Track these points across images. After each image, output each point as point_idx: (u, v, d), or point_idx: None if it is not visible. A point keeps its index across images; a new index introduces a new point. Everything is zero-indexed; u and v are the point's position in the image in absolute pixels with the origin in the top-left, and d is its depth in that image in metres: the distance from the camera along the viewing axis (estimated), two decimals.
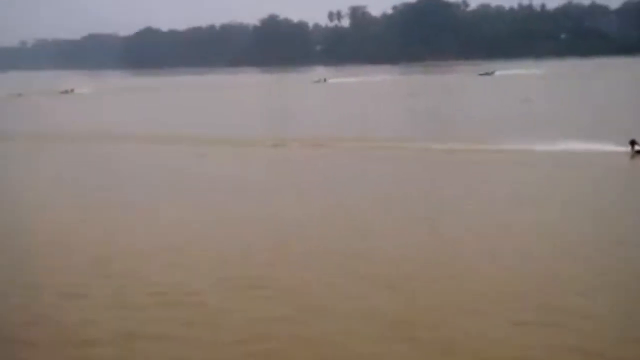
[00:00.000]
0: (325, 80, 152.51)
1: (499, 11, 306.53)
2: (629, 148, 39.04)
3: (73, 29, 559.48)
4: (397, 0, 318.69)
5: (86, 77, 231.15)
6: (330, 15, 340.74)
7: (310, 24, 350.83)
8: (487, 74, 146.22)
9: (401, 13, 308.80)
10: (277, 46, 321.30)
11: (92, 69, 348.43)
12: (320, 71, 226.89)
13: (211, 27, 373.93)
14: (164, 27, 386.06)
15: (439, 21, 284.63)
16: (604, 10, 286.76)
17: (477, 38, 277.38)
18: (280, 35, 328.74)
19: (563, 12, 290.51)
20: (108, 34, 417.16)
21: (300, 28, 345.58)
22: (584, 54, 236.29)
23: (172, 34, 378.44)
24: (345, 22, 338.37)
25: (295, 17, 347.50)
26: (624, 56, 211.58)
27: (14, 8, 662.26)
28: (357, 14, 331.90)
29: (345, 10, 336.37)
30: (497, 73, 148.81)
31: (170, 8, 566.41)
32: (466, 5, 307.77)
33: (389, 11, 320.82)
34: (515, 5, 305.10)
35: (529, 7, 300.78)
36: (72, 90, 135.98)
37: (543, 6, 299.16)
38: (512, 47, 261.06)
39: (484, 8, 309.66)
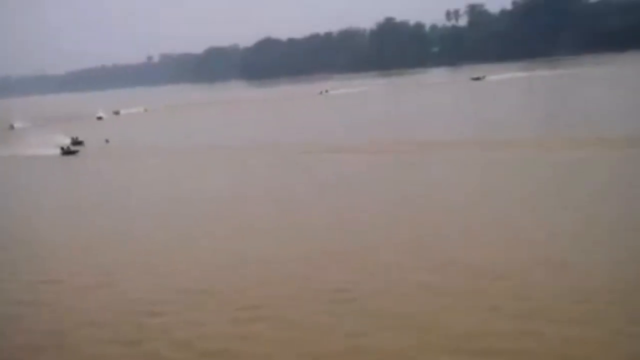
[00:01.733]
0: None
1: (625, 2, 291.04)
2: None
3: (195, 43, 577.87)
4: None
5: (206, 89, 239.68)
6: (448, 15, 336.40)
7: (427, 25, 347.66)
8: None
9: (521, 8, 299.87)
10: (394, 49, 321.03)
11: (213, 82, 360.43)
12: (436, 72, 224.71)
13: (329, 34, 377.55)
14: (283, 37, 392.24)
15: (560, 15, 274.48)
16: None
17: (601, 31, 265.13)
18: (397, 37, 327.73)
19: None
20: (229, 46, 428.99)
21: (417, 30, 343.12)
22: None
23: (291, 42, 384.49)
24: (463, 21, 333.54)
25: (412, 19, 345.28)
26: None
27: (140, 25, 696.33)
28: (475, 11, 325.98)
29: (463, 9, 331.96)
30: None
31: (289, 17, 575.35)
32: None
33: (508, 7, 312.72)
34: None
35: None
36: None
37: None
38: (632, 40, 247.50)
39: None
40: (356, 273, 21.40)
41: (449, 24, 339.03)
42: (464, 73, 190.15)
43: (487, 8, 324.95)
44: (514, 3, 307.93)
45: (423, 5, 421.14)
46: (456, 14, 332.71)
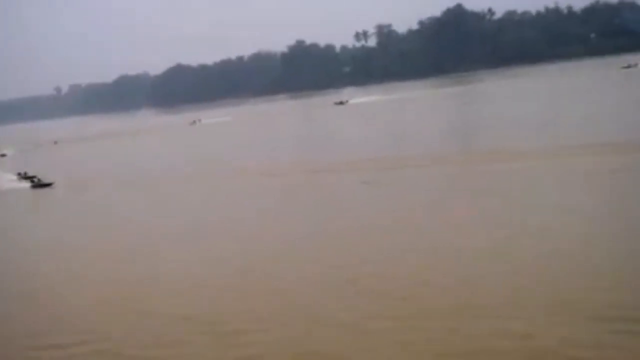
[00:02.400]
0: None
1: (526, 17, 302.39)
2: None
3: (104, 72, 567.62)
4: (422, 14, 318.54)
5: (113, 119, 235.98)
6: (357, 36, 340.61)
7: (338, 46, 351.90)
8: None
9: (427, 27, 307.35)
10: (306, 71, 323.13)
11: (125, 110, 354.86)
12: (348, 92, 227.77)
13: (240, 58, 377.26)
14: (194, 63, 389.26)
15: (465, 32, 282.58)
16: (632, 5, 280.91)
17: (505, 45, 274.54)
18: (308, 59, 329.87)
19: (591, 12, 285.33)
20: (139, 74, 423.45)
21: (327, 51, 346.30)
22: (615, 52, 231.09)
23: (203, 68, 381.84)
24: (372, 42, 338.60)
25: (322, 41, 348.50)
26: None
27: (47, 56, 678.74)
28: (383, 32, 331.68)
29: (371, 30, 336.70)
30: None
31: (199, 44, 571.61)
32: (492, 13, 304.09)
33: (415, 26, 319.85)
34: (542, 9, 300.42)
35: (556, 10, 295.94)
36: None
37: (570, 8, 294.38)
38: (541, 52, 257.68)
39: (510, 15, 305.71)
40: None
41: (358, 44, 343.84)
42: (372, 91, 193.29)
43: (395, 28, 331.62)
44: (420, 23, 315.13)
45: (333, 27, 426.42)
46: (365, 34, 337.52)
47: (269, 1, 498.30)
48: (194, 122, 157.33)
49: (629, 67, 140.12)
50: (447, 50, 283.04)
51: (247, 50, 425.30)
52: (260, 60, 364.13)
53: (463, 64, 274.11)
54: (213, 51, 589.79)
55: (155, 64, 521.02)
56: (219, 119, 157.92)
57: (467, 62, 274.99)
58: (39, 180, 67.85)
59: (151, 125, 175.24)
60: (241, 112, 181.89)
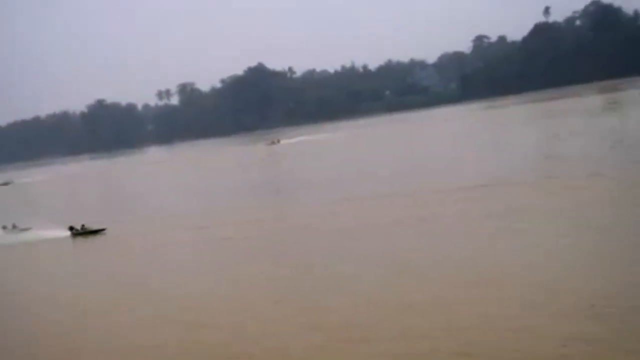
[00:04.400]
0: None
1: (324, 76, 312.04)
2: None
3: None
4: (225, 73, 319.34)
5: None
6: (160, 94, 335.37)
7: (140, 105, 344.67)
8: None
9: (229, 86, 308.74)
10: (108, 130, 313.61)
11: None
12: (153, 151, 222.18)
13: (36, 119, 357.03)
14: None
15: (267, 90, 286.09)
16: (422, 64, 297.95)
17: (307, 103, 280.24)
18: (110, 118, 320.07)
19: (385, 71, 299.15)
20: None
21: (129, 110, 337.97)
22: (409, 108, 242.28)
23: None
24: (175, 100, 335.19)
25: (123, 100, 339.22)
26: (445, 106, 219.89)
27: None
28: (186, 90, 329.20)
29: (174, 89, 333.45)
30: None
31: None
32: (292, 72, 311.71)
33: (218, 85, 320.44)
34: (339, 68, 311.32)
35: (352, 69, 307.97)
36: None
37: (365, 67, 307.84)
38: (339, 109, 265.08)
39: (310, 74, 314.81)
40: None
41: (161, 103, 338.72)
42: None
43: (198, 86, 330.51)
44: (222, 81, 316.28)
45: (134, 86, 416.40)
46: (167, 93, 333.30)
47: (67, 61, 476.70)
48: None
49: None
50: (250, 107, 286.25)
51: (43, 110, 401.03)
52: (59, 120, 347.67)
53: (266, 121, 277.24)
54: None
55: None
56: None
57: (271, 119, 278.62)
58: None
59: None
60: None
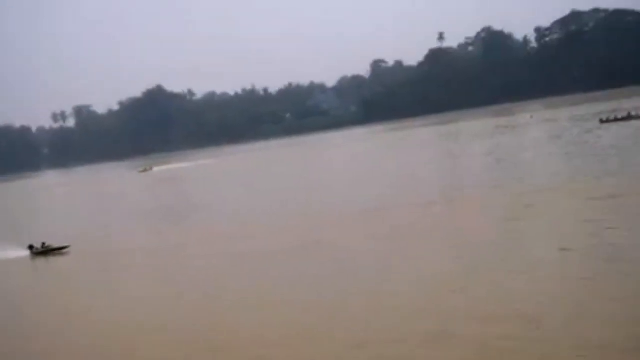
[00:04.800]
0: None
1: (225, 98, 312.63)
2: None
3: None
4: (123, 95, 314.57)
5: None
6: (54, 117, 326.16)
7: (34, 127, 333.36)
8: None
9: (127, 108, 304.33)
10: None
11: None
12: (50, 175, 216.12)
13: None
14: None
15: (166, 113, 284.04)
16: (322, 88, 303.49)
17: (208, 125, 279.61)
18: (2, 141, 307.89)
19: (286, 94, 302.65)
20: None
21: (23, 133, 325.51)
22: (310, 130, 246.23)
23: None
24: (71, 122, 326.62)
25: (17, 123, 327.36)
26: (347, 129, 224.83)
27: None
28: (82, 112, 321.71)
29: (69, 111, 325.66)
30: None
31: None
32: (192, 94, 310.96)
33: (115, 107, 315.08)
34: (239, 91, 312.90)
35: (252, 91, 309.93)
36: None
37: (266, 90, 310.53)
38: (240, 132, 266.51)
39: (210, 96, 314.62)
40: None
41: (56, 125, 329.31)
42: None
43: (95, 109, 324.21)
44: (120, 103, 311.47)
45: (27, 108, 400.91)
46: (63, 115, 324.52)
47: None
48: None
49: None
50: (149, 130, 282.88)
51: None
52: None
53: (167, 144, 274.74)
54: None
55: None
56: None
57: (171, 141, 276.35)
58: None
59: None
60: None
